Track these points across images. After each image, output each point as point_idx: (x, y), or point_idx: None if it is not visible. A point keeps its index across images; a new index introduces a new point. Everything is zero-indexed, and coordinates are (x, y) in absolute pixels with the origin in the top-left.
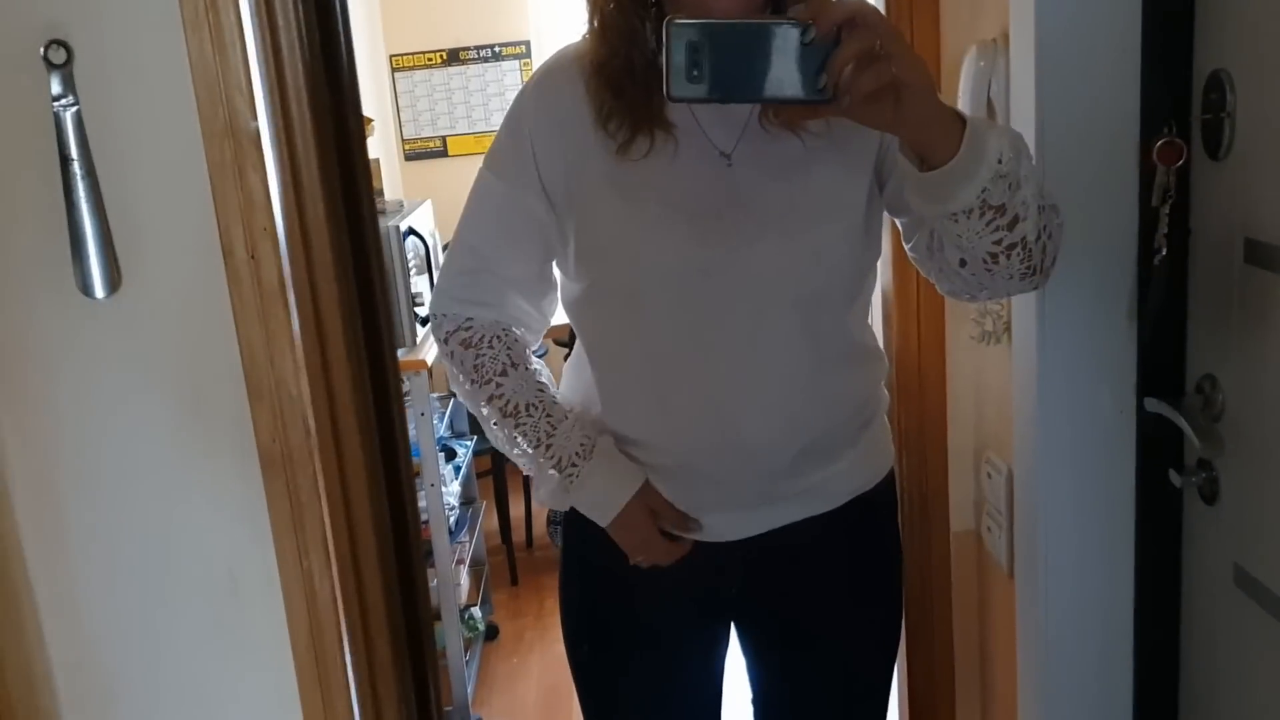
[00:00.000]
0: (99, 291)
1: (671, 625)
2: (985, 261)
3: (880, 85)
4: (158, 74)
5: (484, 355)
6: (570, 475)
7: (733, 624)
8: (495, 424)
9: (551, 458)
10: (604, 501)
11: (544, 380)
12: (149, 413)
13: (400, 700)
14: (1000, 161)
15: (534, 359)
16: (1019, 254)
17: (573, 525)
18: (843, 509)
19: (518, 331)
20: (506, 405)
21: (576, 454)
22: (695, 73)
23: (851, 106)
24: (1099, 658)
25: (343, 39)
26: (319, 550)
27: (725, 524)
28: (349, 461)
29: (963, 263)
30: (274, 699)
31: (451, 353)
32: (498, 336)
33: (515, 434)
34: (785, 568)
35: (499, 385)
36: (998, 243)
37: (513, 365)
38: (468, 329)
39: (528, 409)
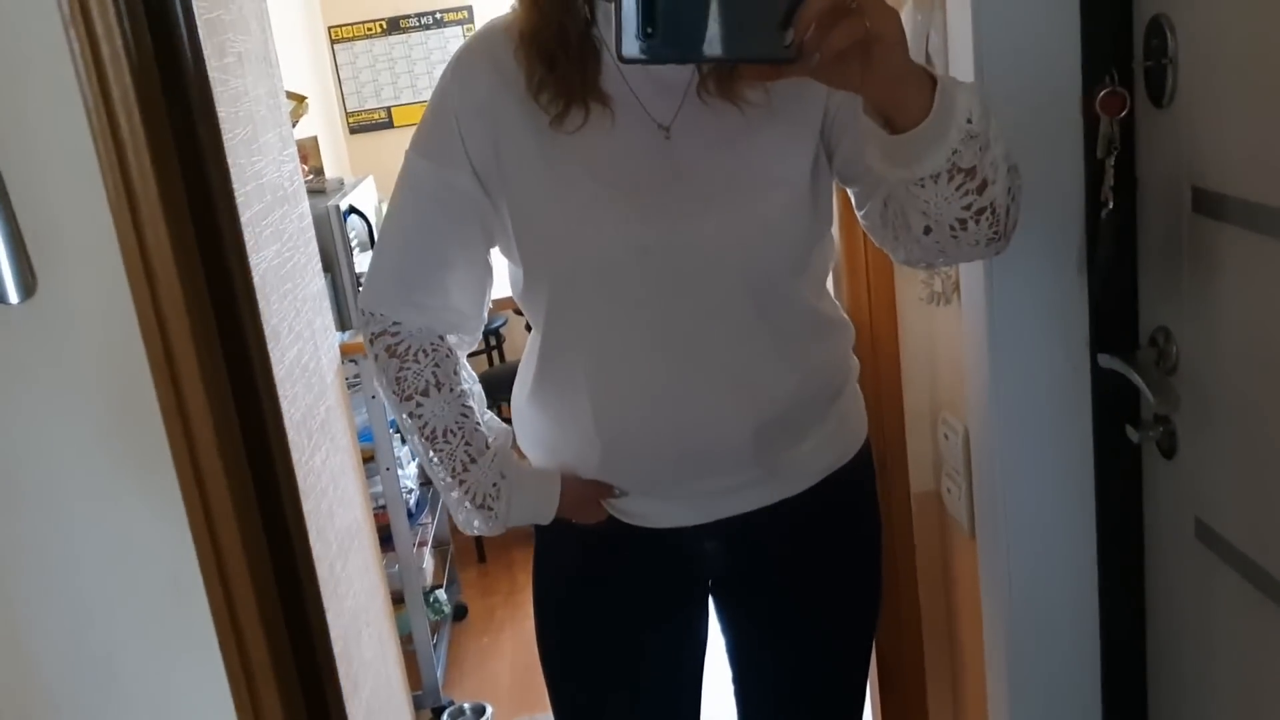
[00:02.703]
0: (12, 297)
1: (648, 612)
2: (953, 228)
3: (851, 42)
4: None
5: (408, 369)
6: (489, 514)
7: (712, 606)
8: (414, 439)
9: (467, 493)
10: (535, 516)
11: (467, 402)
12: (73, 420)
13: (279, 689)
14: (970, 121)
15: (464, 373)
16: (988, 219)
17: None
18: (817, 488)
19: (451, 340)
20: (425, 427)
21: (490, 494)
22: (649, 30)
23: (819, 66)
24: (1063, 614)
25: (185, 38)
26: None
27: (690, 512)
28: (203, 456)
29: (927, 230)
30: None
31: (376, 356)
32: (424, 350)
33: (432, 456)
34: (760, 551)
35: (419, 405)
36: (967, 208)
37: (436, 386)
38: (395, 335)
39: (445, 435)
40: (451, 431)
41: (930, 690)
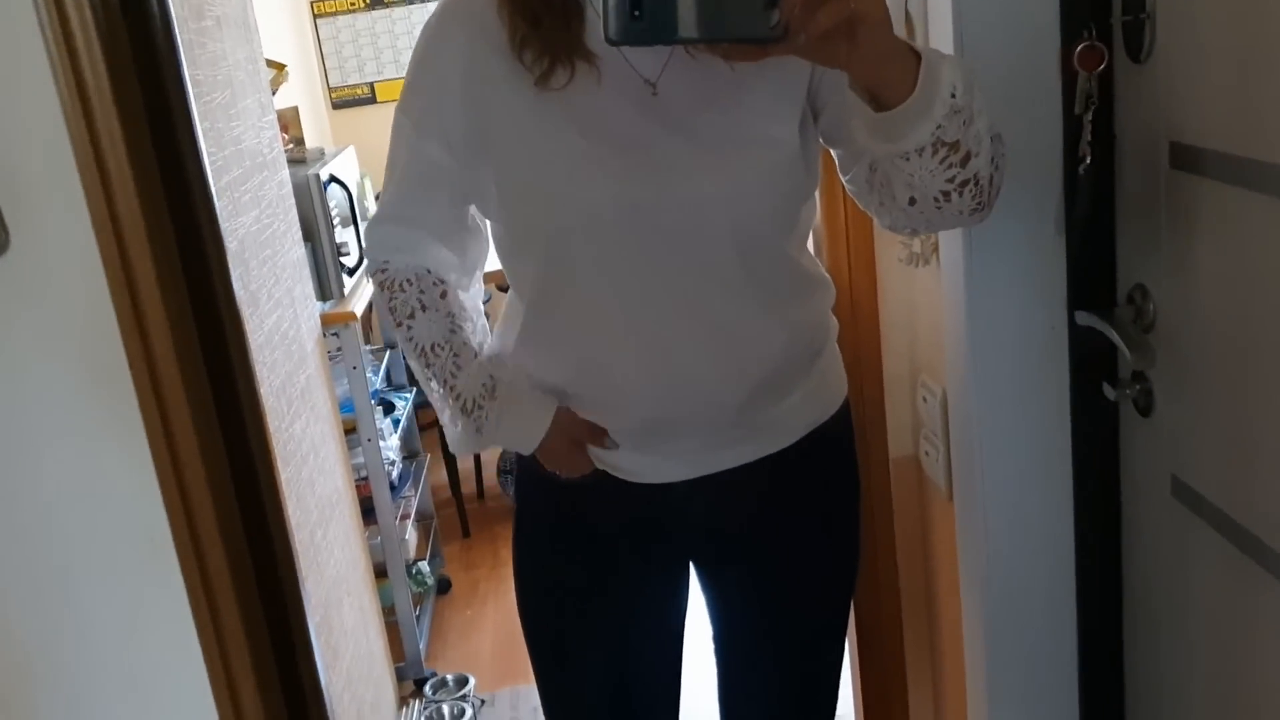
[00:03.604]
0: None
1: (630, 571)
2: (936, 200)
3: (837, 21)
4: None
5: (396, 298)
6: (478, 418)
7: (691, 565)
8: (413, 363)
9: (457, 399)
10: (522, 437)
11: (456, 321)
12: (45, 375)
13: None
14: (954, 95)
15: (455, 298)
16: (971, 190)
17: (526, 473)
18: (799, 445)
19: (440, 274)
20: (416, 347)
21: (480, 395)
22: (636, 12)
23: (805, 45)
24: (1040, 574)
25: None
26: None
27: (678, 466)
28: (174, 420)
29: (912, 201)
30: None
31: (376, 294)
32: (409, 280)
33: (428, 375)
34: (743, 507)
35: (409, 328)
36: (950, 180)
37: (422, 308)
38: (384, 271)
39: (434, 349)
40: (440, 345)
41: (908, 652)
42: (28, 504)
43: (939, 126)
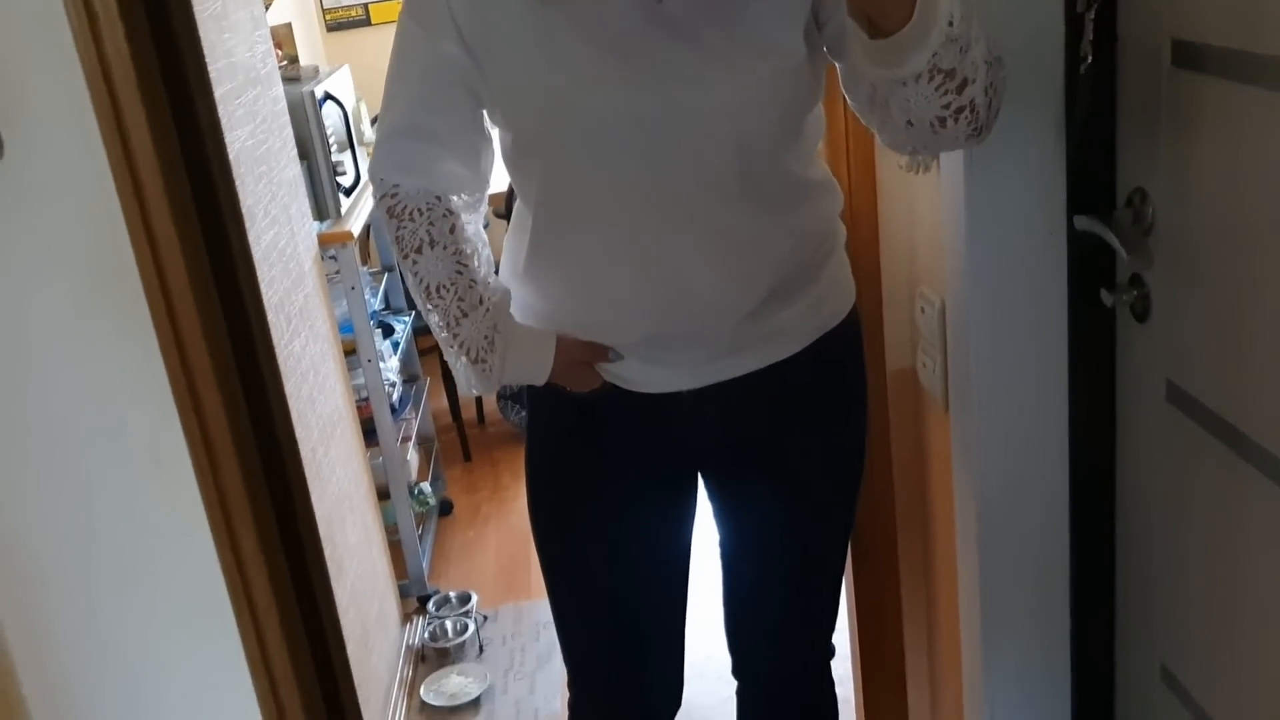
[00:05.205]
0: None
1: (642, 481)
2: (933, 125)
3: None
4: None
5: (405, 228)
6: (483, 367)
7: (700, 473)
8: (416, 296)
9: (461, 346)
10: (529, 375)
11: (464, 259)
12: (47, 289)
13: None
14: (951, 24)
15: (463, 231)
16: (966, 117)
17: (536, 389)
18: (808, 350)
19: (450, 201)
20: (421, 283)
21: (483, 347)
22: None
23: None
24: (1036, 484)
25: None
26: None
27: (685, 376)
28: (182, 319)
29: (909, 124)
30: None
31: (383, 219)
32: (419, 209)
33: (431, 311)
34: (752, 414)
35: (415, 262)
36: (946, 106)
37: (430, 243)
38: (394, 197)
39: (439, 290)
40: (445, 287)
41: (902, 564)
42: (37, 415)
43: (935, 54)
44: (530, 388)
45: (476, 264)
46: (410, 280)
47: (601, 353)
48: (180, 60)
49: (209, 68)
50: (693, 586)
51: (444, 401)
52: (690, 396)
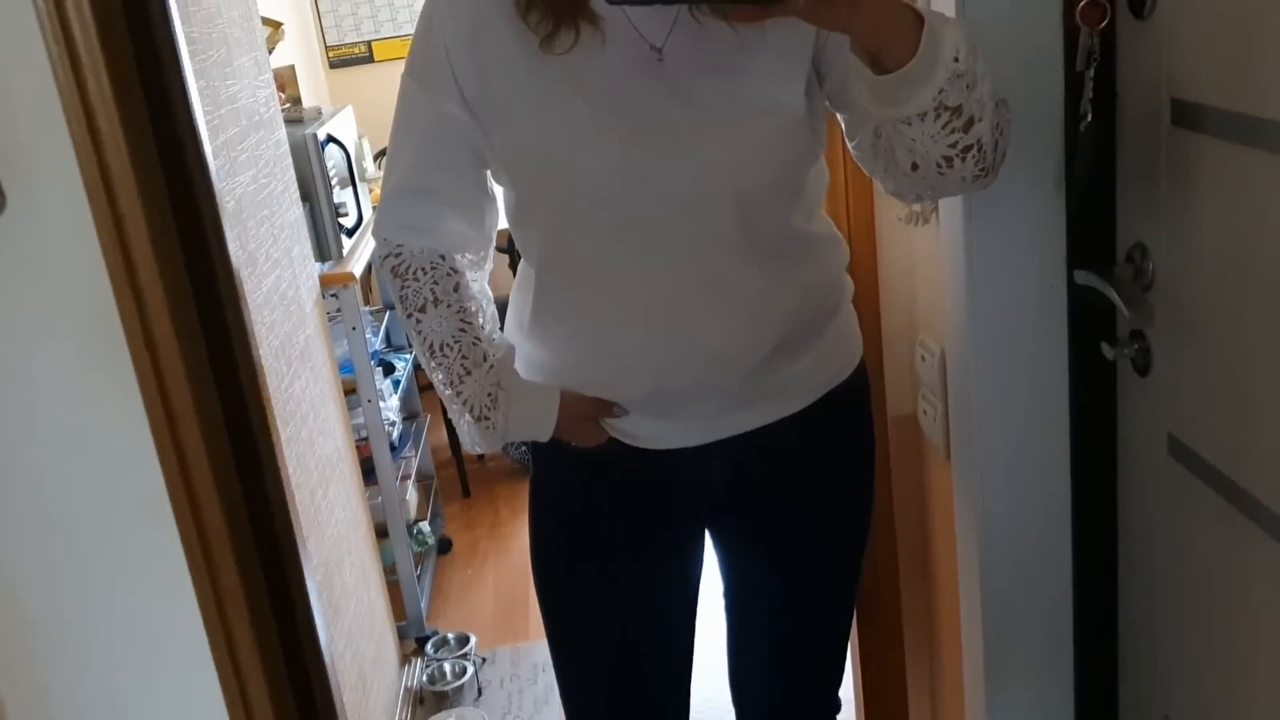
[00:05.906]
0: None
1: (646, 535)
2: (939, 165)
3: None
4: None
5: (409, 287)
6: (487, 424)
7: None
8: (420, 354)
9: (465, 404)
10: (533, 431)
11: (468, 317)
12: (45, 341)
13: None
14: (957, 59)
15: (467, 289)
16: (974, 156)
17: (540, 446)
18: (815, 405)
19: (455, 259)
20: (425, 342)
21: (486, 405)
22: None
23: (806, 6)
24: (1038, 534)
25: None
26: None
27: (691, 432)
28: (167, 367)
29: (914, 166)
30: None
31: (388, 278)
32: (423, 269)
33: (435, 369)
34: (762, 469)
35: (419, 320)
36: (953, 145)
37: (434, 301)
38: (397, 256)
39: (442, 348)
40: (449, 345)
41: (905, 613)
42: (25, 464)
43: (941, 90)
44: (535, 443)
45: (480, 321)
46: (414, 339)
47: (606, 408)
48: (172, 109)
49: (213, 114)
50: (698, 635)
51: (444, 436)
52: (695, 452)
